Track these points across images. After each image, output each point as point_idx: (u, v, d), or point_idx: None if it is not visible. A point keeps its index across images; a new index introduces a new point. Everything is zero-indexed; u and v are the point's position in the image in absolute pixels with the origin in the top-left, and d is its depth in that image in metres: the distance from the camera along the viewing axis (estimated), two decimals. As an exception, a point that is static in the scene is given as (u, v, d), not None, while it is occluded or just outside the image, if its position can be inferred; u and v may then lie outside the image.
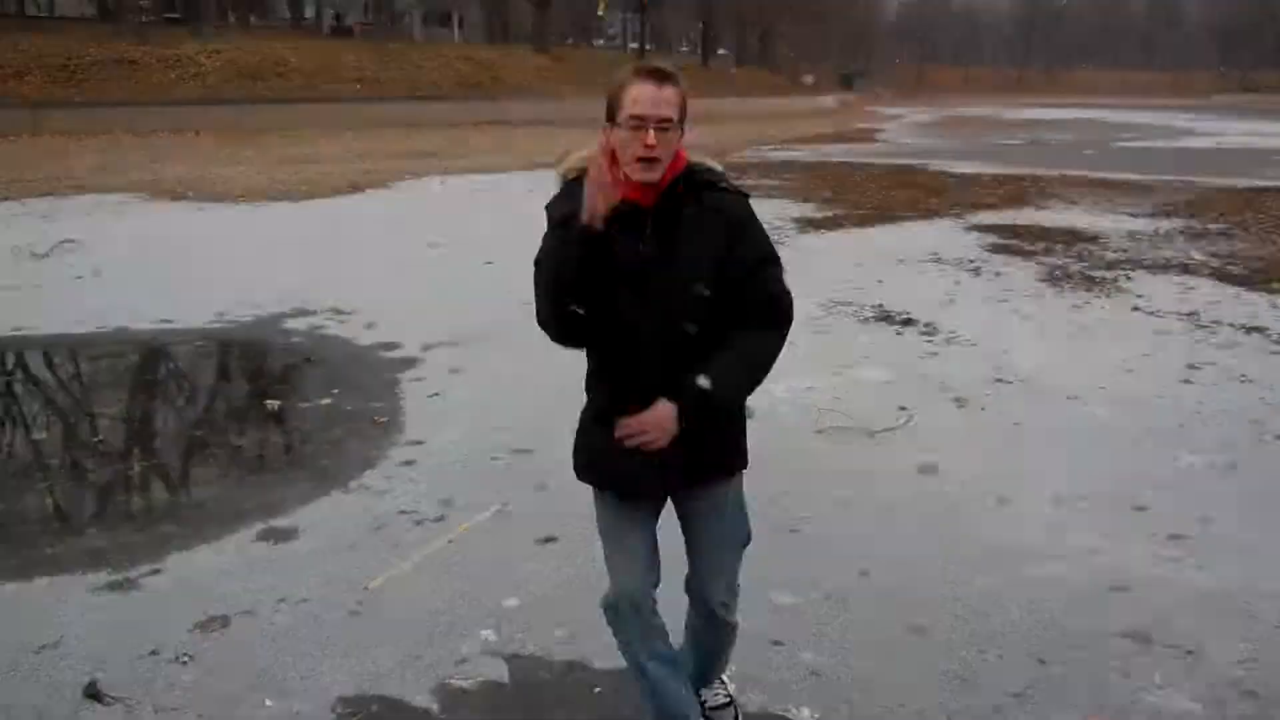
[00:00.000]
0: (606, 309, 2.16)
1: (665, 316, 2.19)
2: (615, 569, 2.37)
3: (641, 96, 2.09)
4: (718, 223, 2.19)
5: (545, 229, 2.20)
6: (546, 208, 2.21)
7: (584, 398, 2.40)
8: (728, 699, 2.70)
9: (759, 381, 2.28)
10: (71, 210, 12.10)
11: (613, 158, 2.11)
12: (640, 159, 2.09)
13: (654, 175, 2.13)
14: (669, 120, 2.10)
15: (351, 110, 28.14)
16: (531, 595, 3.33)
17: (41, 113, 23.04)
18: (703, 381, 2.15)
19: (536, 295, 2.18)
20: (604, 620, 2.43)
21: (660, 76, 2.12)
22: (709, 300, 2.20)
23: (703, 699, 2.67)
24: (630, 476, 2.29)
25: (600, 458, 2.32)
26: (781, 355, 2.34)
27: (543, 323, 2.20)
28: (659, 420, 2.16)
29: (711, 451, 2.32)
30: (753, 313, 2.25)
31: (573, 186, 2.15)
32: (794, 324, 2.37)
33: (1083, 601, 3.31)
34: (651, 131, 2.08)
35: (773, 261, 2.28)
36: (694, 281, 2.17)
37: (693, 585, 2.49)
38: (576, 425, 2.41)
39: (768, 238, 2.30)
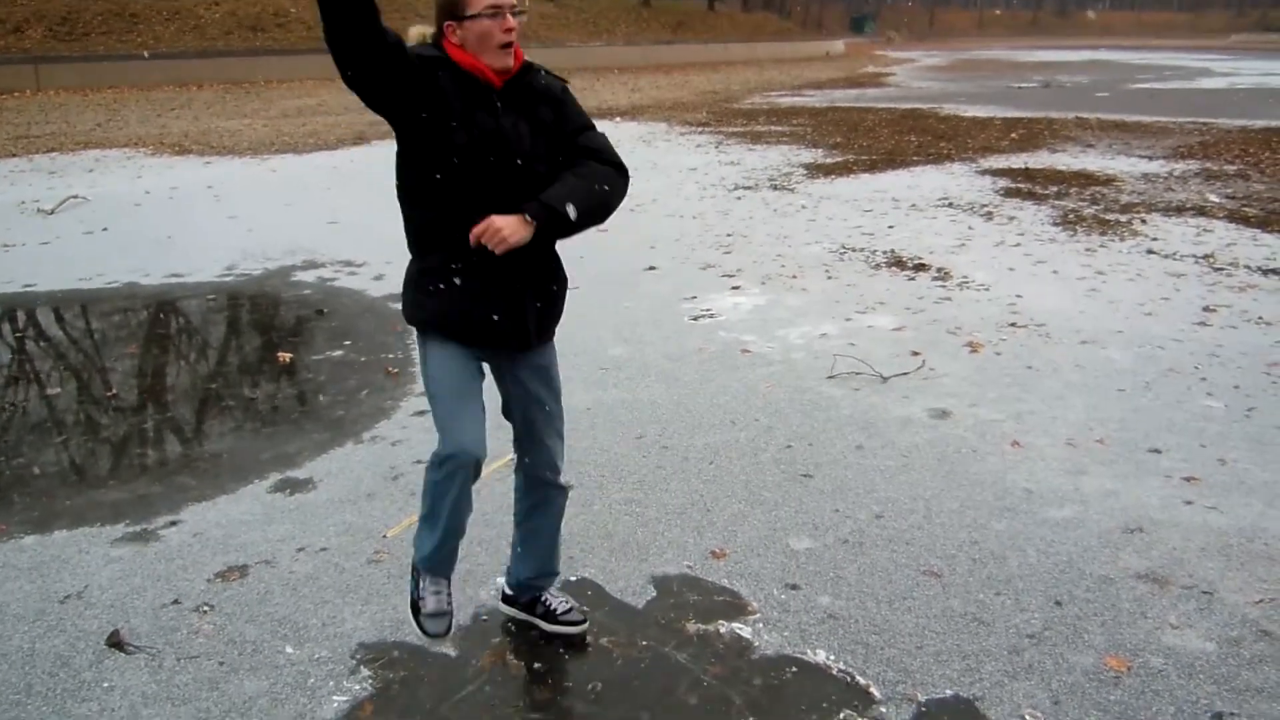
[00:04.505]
0: (461, 180, 2.34)
1: (511, 191, 2.36)
2: (463, 429, 2.47)
3: None
4: (548, 101, 2.45)
5: None
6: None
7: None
8: (569, 604, 2.90)
9: (604, 204, 2.43)
10: (77, 166, 12.06)
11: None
12: (503, 44, 2.32)
13: (511, 60, 2.36)
14: (517, 6, 2.33)
15: (355, 61, 27.82)
16: (548, 542, 3.34)
17: (43, 68, 22.83)
18: (569, 208, 2.34)
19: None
20: (430, 475, 2.51)
21: None
22: (545, 178, 2.40)
23: (552, 607, 2.87)
24: (495, 327, 2.48)
25: (468, 308, 2.45)
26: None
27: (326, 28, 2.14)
28: (513, 222, 2.30)
29: (555, 310, 2.61)
30: (586, 158, 2.47)
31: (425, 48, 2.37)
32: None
33: (1099, 544, 3.32)
34: (509, 15, 2.31)
35: (592, 128, 2.52)
36: (535, 160, 2.40)
37: (537, 458, 2.73)
38: (423, 284, 2.48)
39: (585, 113, 2.54)
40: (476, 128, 2.33)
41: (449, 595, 2.67)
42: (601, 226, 2.52)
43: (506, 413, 2.74)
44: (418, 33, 2.44)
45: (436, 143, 2.34)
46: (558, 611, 2.87)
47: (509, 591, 2.94)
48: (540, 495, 2.80)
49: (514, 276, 2.46)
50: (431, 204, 2.41)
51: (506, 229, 2.28)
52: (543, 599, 2.89)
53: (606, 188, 2.43)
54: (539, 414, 2.69)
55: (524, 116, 2.40)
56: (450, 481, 2.46)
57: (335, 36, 2.12)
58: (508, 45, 2.33)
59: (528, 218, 2.32)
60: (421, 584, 2.65)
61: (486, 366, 2.65)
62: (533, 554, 2.85)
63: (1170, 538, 3.36)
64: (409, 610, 2.70)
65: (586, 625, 2.88)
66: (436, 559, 2.60)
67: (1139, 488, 3.73)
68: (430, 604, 2.64)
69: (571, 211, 2.34)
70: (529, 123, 2.40)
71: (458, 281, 2.43)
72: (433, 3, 2.39)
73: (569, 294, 2.67)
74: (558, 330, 2.68)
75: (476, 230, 2.28)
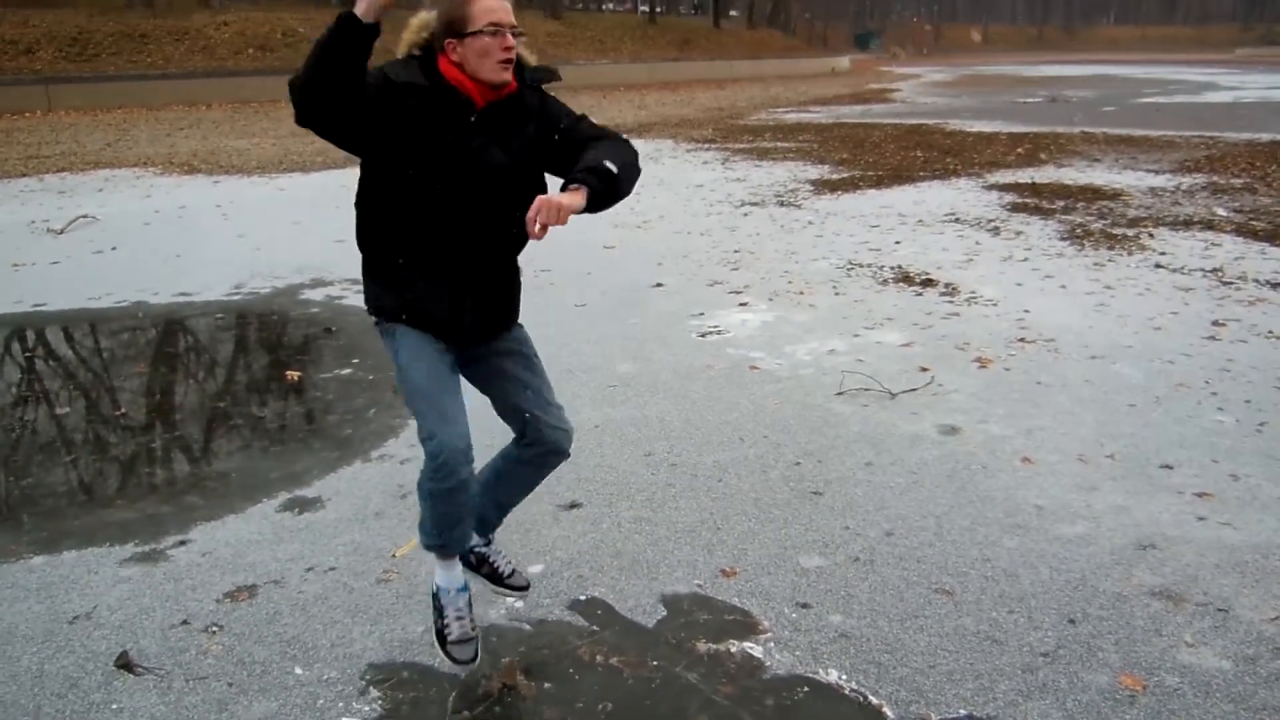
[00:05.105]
0: (415, 195, 2.42)
1: (469, 206, 2.45)
2: (447, 425, 2.44)
3: (494, 6, 2.40)
4: (532, 118, 2.52)
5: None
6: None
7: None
8: (512, 566, 2.94)
9: (633, 178, 2.47)
10: (87, 186, 12.13)
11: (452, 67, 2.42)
12: (502, 61, 2.39)
13: (509, 75, 2.43)
14: (517, 26, 2.42)
15: (363, 80, 28.00)
16: (557, 561, 3.34)
17: (54, 88, 23.02)
18: (607, 164, 2.36)
19: (305, 67, 2.26)
20: (424, 486, 2.50)
21: None
22: (512, 195, 2.46)
23: (499, 569, 2.89)
24: (439, 322, 2.53)
25: (414, 300, 2.51)
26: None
27: (300, 87, 2.25)
28: (564, 195, 2.30)
29: (497, 308, 2.63)
30: (594, 139, 2.51)
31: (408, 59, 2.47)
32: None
33: (1111, 561, 3.29)
34: (509, 34, 2.39)
35: (583, 118, 2.58)
36: (502, 178, 2.45)
37: (540, 423, 2.67)
38: (375, 276, 2.58)
39: (569, 107, 2.60)
40: (440, 149, 2.40)
41: (471, 619, 2.68)
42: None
43: (499, 409, 2.72)
44: (420, 20, 2.49)
45: (393, 164, 2.42)
46: (504, 574, 2.89)
47: None
48: (541, 454, 2.75)
49: (452, 273, 2.51)
50: (384, 209, 2.49)
51: (561, 198, 2.27)
52: (489, 558, 2.89)
53: (629, 155, 2.47)
54: (523, 391, 2.67)
55: (500, 138, 2.46)
56: (446, 483, 2.46)
57: (307, 104, 2.24)
58: (506, 62, 2.41)
59: (573, 186, 2.33)
60: (445, 612, 2.64)
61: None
62: (493, 498, 2.82)
63: (1184, 554, 3.33)
64: (434, 639, 2.70)
65: (529, 590, 2.92)
66: (447, 539, 2.60)
67: (1151, 504, 3.70)
68: (455, 631, 2.64)
69: (613, 167, 2.37)
70: (505, 143, 2.46)
71: (401, 275, 2.51)
72: (436, 19, 2.46)
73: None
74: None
75: (530, 214, 2.24)
